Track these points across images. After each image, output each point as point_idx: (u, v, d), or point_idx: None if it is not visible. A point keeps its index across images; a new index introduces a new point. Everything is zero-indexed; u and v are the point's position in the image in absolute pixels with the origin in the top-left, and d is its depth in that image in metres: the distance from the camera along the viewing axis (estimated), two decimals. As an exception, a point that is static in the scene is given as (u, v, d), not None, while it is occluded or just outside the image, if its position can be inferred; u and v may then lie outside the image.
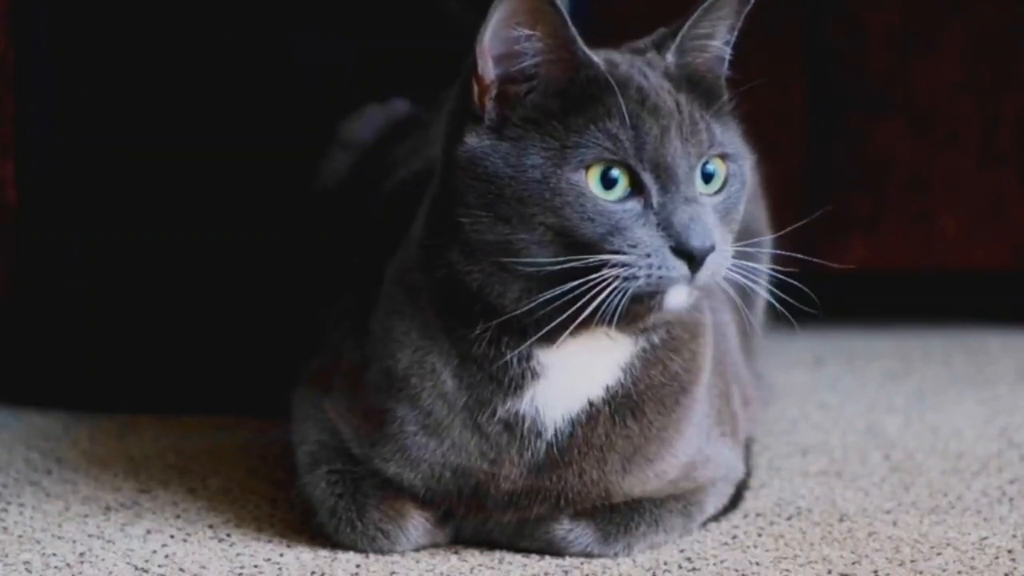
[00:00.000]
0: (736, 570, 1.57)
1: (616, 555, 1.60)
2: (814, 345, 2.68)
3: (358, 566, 1.58)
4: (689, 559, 1.60)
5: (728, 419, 1.72)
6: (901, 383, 2.45)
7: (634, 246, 1.44)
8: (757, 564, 1.59)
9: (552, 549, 1.60)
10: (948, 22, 2.72)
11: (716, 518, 1.71)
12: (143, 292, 2.25)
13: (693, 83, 1.51)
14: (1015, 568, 1.57)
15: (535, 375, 1.53)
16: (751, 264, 1.53)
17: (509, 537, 1.61)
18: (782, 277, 1.65)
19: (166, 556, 1.61)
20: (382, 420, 1.58)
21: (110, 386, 2.25)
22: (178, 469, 1.93)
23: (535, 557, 1.60)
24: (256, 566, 1.58)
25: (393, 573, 1.56)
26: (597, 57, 1.48)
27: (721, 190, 1.50)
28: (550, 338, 1.50)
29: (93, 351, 2.25)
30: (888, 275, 2.85)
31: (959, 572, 1.56)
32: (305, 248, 2.03)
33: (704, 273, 1.46)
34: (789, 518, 1.74)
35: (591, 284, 1.44)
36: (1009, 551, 1.63)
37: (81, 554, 1.62)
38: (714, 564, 1.59)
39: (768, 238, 1.90)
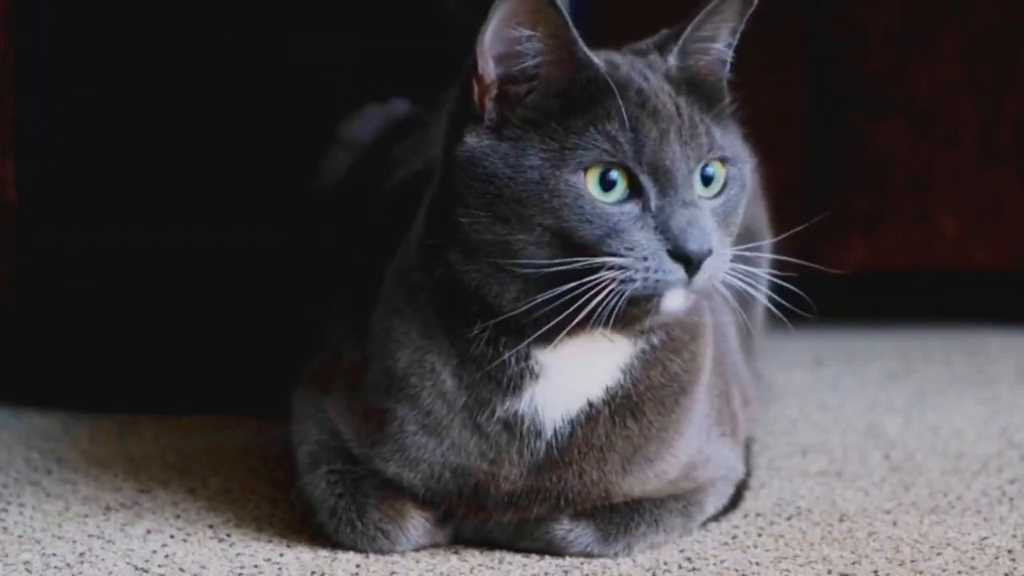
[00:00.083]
0: (736, 570, 1.57)
1: (616, 555, 1.60)
2: (814, 345, 2.68)
3: (358, 566, 1.58)
4: (689, 559, 1.60)
5: (728, 419, 1.72)
6: (901, 383, 2.45)
7: (631, 249, 1.44)
8: (757, 564, 1.59)
9: (552, 549, 1.60)
10: (948, 22, 2.72)
11: (716, 518, 1.71)
12: (143, 292, 2.25)
13: (694, 86, 1.51)
14: (1015, 568, 1.57)
15: (533, 375, 1.53)
16: (750, 268, 1.52)
17: (509, 537, 1.61)
18: (781, 283, 1.65)
19: (166, 556, 1.61)
20: (382, 420, 1.58)
21: (110, 386, 2.25)
22: (178, 469, 1.93)
23: (535, 557, 1.60)
24: (256, 566, 1.58)
25: (393, 573, 1.56)
26: (598, 58, 1.48)
27: (720, 193, 1.50)
28: (548, 339, 1.50)
29: (93, 351, 2.25)
30: (888, 275, 2.85)
31: (959, 572, 1.56)
32: (305, 248, 2.03)
33: (701, 277, 1.46)
34: (789, 518, 1.74)
35: (588, 286, 1.44)
36: (1009, 551, 1.63)
37: (81, 554, 1.62)
38: (714, 564, 1.59)
39: (768, 242, 1.90)
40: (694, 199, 1.47)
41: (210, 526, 1.71)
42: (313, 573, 1.56)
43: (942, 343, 2.75)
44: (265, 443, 2.01)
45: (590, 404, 1.54)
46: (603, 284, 1.44)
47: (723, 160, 1.50)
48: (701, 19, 1.51)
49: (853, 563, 1.59)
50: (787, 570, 1.57)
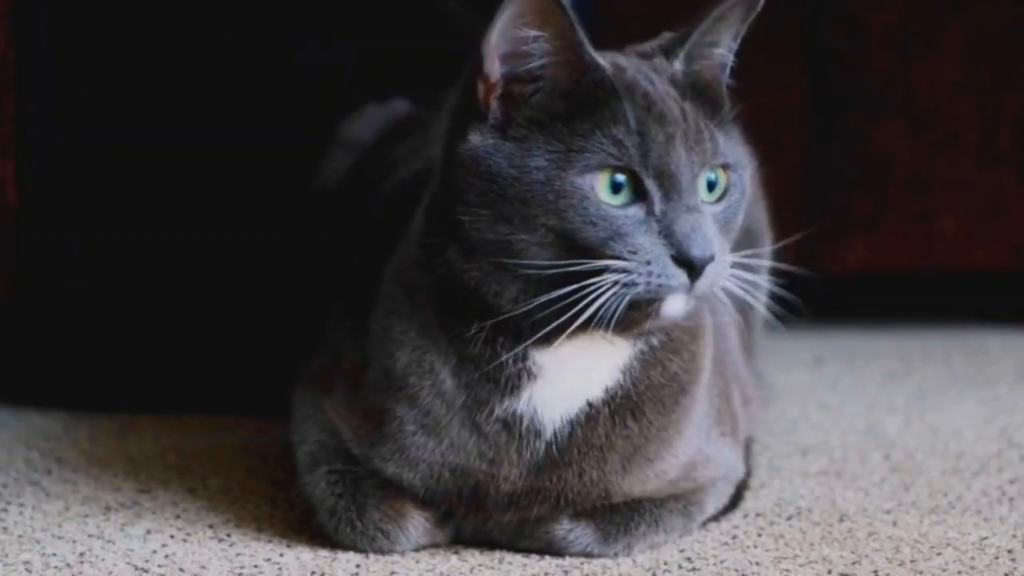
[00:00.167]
0: (736, 570, 1.57)
1: (616, 555, 1.60)
2: (814, 345, 2.68)
3: (358, 566, 1.58)
4: (689, 559, 1.60)
5: (728, 419, 1.72)
6: (901, 383, 2.45)
7: (635, 252, 1.44)
8: (757, 564, 1.59)
9: (552, 549, 1.60)
10: (948, 22, 2.72)
11: (716, 518, 1.71)
12: (143, 292, 2.25)
13: (699, 91, 1.51)
14: (1015, 568, 1.57)
15: (531, 376, 1.53)
16: (750, 276, 1.53)
17: (509, 537, 1.61)
18: (778, 290, 1.65)
19: (166, 556, 1.61)
20: (381, 420, 1.58)
21: (110, 386, 2.25)
22: (178, 469, 1.93)
23: (535, 557, 1.60)
24: (256, 566, 1.58)
25: (393, 573, 1.56)
26: (604, 61, 1.48)
27: (721, 199, 1.50)
28: (546, 340, 1.50)
29: (93, 351, 2.25)
30: (888, 275, 2.85)
31: (959, 572, 1.56)
32: (305, 248, 2.03)
33: (703, 283, 1.46)
34: (789, 518, 1.74)
35: (590, 289, 1.44)
36: (1009, 551, 1.63)
37: (81, 554, 1.62)
38: (714, 564, 1.59)
39: (768, 249, 1.91)
40: (698, 205, 1.47)
41: (210, 526, 1.71)
42: (313, 573, 1.56)
43: (942, 343, 2.75)
44: (265, 443, 2.01)
45: (589, 404, 1.54)
46: (605, 287, 1.44)
47: (725, 166, 1.50)
48: (708, 25, 1.51)
49: (853, 563, 1.59)
50: (787, 570, 1.57)
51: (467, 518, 1.60)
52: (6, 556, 1.61)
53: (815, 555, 1.61)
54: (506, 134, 1.47)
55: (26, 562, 1.59)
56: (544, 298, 1.45)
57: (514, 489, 1.56)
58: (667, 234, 1.45)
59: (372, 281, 1.64)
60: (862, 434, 2.12)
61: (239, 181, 2.22)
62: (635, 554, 1.61)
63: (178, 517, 1.74)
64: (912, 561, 1.59)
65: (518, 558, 1.60)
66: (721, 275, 1.48)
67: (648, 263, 1.44)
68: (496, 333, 1.51)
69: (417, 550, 1.61)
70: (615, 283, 1.44)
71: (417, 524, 1.60)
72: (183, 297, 2.24)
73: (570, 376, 1.53)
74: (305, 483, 1.65)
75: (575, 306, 1.44)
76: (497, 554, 1.61)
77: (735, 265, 1.51)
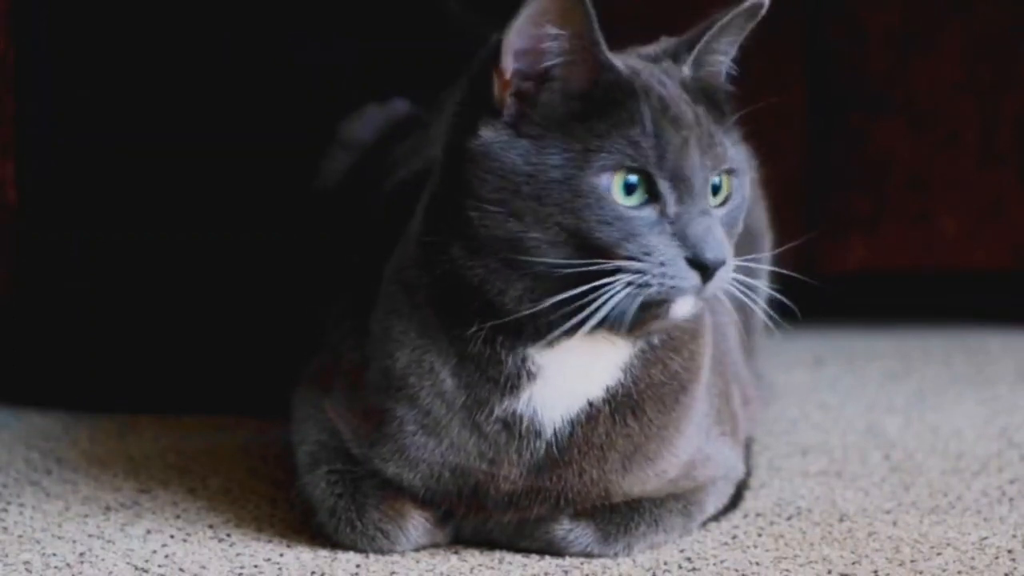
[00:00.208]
0: (736, 570, 1.57)
1: (616, 555, 1.60)
2: (814, 345, 2.68)
3: (358, 566, 1.58)
4: (689, 559, 1.60)
5: (728, 419, 1.72)
6: (901, 383, 2.45)
7: (649, 254, 1.45)
8: (757, 564, 1.59)
9: (552, 549, 1.60)
10: (948, 22, 2.72)
11: (716, 518, 1.71)
12: (143, 292, 2.25)
13: (707, 95, 1.52)
14: (1015, 568, 1.57)
15: (531, 376, 1.53)
16: (751, 280, 1.53)
17: (509, 537, 1.61)
18: (778, 292, 1.65)
19: (166, 556, 1.61)
20: (381, 420, 1.58)
21: (110, 386, 2.25)
22: (178, 469, 1.93)
23: (535, 557, 1.60)
24: (256, 566, 1.58)
25: (393, 573, 1.56)
26: (619, 62, 1.48)
27: (724, 204, 1.51)
28: (547, 339, 1.50)
29: (93, 351, 2.25)
30: (888, 275, 2.85)
31: (959, 572, 1.56)
32: (305, 248, 2.03)
33: (713, 285, 1.47)
34: (789, 518, 1.74)
35: (603, 289, 1.44)
36: (1009, 551, 1.63)
37: (81, 554, 1.62)
38: (714, 564, 1.59)
39: (768, 254, 1.91)
40: (709, 208, 1.48)
41: (210, 526, 1.71)
42: (313, 573, 1.56)
43: (942, 343, 2.75)
44: (265, 443, 2.01)
45: (590, 404, 1.54)
46: (618, 287, 1.44)
47: (730, 171, 1.51)
48: (716, 32, 1.52)
49: (853, 563, 1.59)
50: (787, 570, 1.57)
51: (467, 518, 1.60)
52: (6, 556, 1.61)
53: (815, 555, 1.61)
54: (520, 131, 1.47)
55: (26, 562, 1.59)
56: (556, 298, 1.45)
57: (514, 489, 1.56)
58: (681, 236, 1.45)
59: (372, 281, 1.64)
60: (862, 434, 2.12)
61: (239, 181, 2.22)
62: (635, 554, 1.61)
63: (178, 517, 1.74)
64: (912, 561, 1.60)
65: (518, 558, 1.60)
66: (727, 278, 1.49)
67: (662, 264, 1.45)
68: (496, 333, 1.51)
69: (417, 550, 1.61)
70: (628, 284, 1.44)
71: (417, 524, 1.60)
72: (183, 297, 2.24)
73: (570, 375, 1.53)
74: (305, 483, 1.65)
75: (588, 307, 1.44)
76: (497, 554, 1.61)
77: (736, 267, 1.51)
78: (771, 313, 1.65)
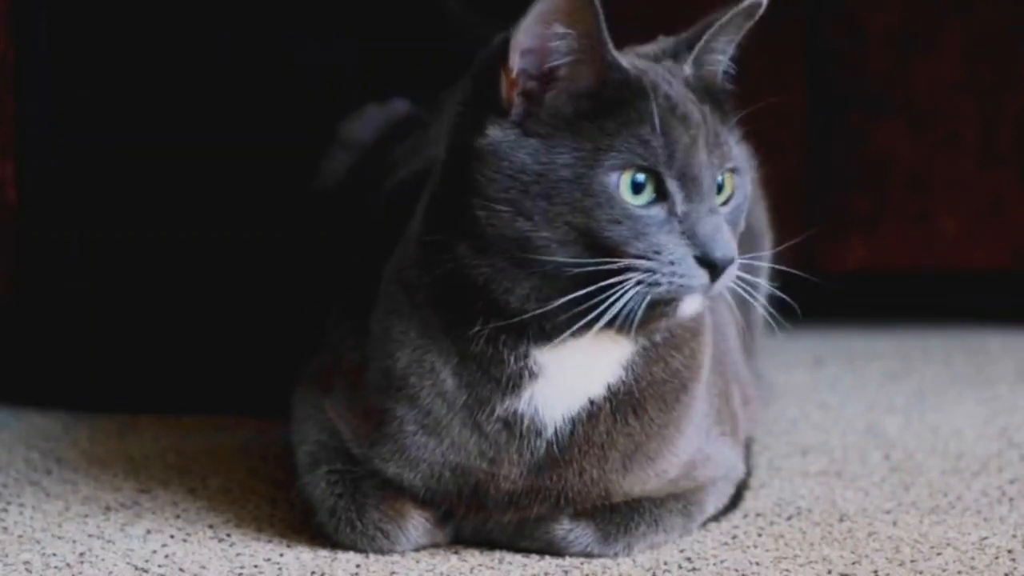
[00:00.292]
0: (736, 570, 1.57)
1: (616, 555, 1.60)
2: (814, 345, 2.68)
3: (358, 566, 1.58)
4: (689, 559, 1.60)
5: (728, 418, 1.72)
6: (901, 383, 2.45)
7: (658, 252, 1.45)
8: (757, 564, 1.59)
9: (552, 549, 1.60)
10: (948, 22, 2.72)
11: (716, 518, 1.71)
12: (143, 292, 2.25)
13: (710, 95, 1.53)
14: (1015, 568, 1.57)
15: (533, 375, 1.52)
16: (752, 278, 1.53)
17: (509, 537, 1.61)
18: (778, 292, 1.66)
19: (166, 556, 1.61)
20: (381, 420, 1.58)
21: (110, 386, 2.25)
22: (178, 469, 1.93)
23: (535, 557, 1.60)
24: (256, 566, 1.58)
25: (393, 573, 1.56)
26: (625, 62, 1.49)
27: (727, 202, 1.51)
28: (549, 338, 1.50)
29: (93, 351, 2.25)
30: (888, 275, 2.85)
31: (959, 572, 1.56)
32: (305, 248, 2.03)
33: (721, 283, 1.47)
34: (789, 518, 1.74)
35: (613, 288, 1.44)
36: (1009, 551, 1.63)
37: (81, 554, 1.62)
38: (714, 564, 1.59)
39: (768, 253, 1.91)
40: (716, 207, 1.48)
41: (210, 526, 1.71)
42: (313, 573, 1.56)
43: (942, 343, 2.75)
44: (265, 443, 2.01)
45: (591, 402, 1.55)
46: (628, 286, 1.44)
47: (733, 170, 1.51)
48: (715, 31, 1.53)
49: (853, 563, 1.59)
50: (787, 570, 1.57)
51: (467, 518, 1.60)
52: (6, 556, 1.61)
53: (815, 555, 1.61)
54: (527, 130, 1.47)
55: (26, 562, 1.59)
56: (566, 298, 1.45)
57: (514, 488, 1.56)
58: (690, 235, 1.46)
59: (372, 281, 1.63)
60: (862, 434, 2.12)
61: (239, 181, 2.22)
62: (635, 554, 1.61)
63: (178, 517, 1.74)
64: (912, 561, 1.59)
65: (518, 558, 1.60)
66: (733, 277, 1.49)
67: (672, 263, 1.45)
68: (499, 332, 1.51)
69: (417, 550, 1.61)
70: (638, 283, 1.44)
71: (417, 524, 1.60)
72: (183, 297, 2.24)
73: (572, 374, 1.53)
74: (305, 483, 1.65)
75: (598, 306, 1.44)
76: (497, 554, 1.61)
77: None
78: (772, 312, 1.65)
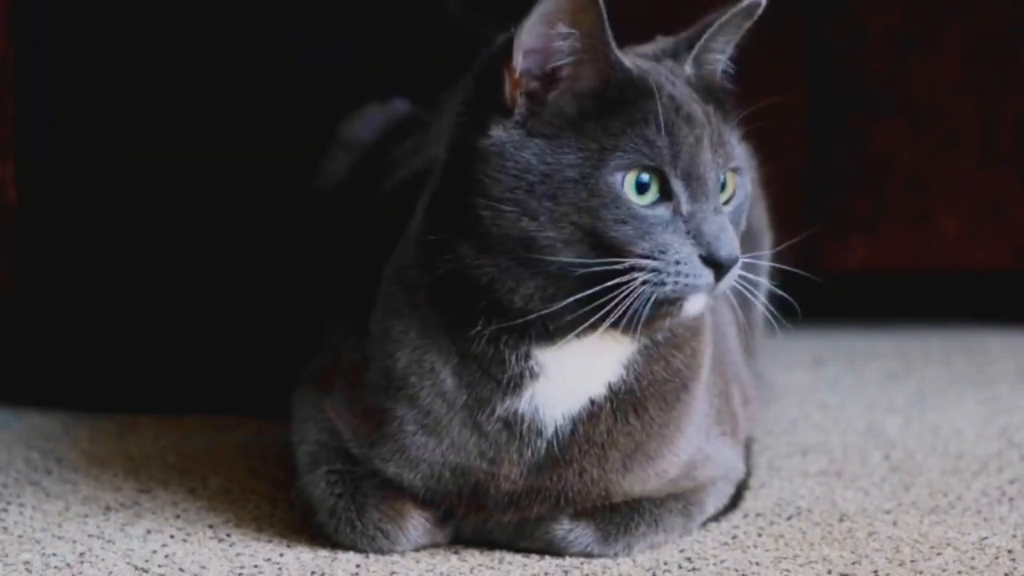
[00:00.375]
0: (736, 570, 1.57)
1: (616, 555, 1.60)
2: (814, 345, 2.68)
3: (358, 566, 1.58)
4: (689, 559, 1.60)
5: (728, 418, 1.72)
6: (901, 383, 2.45)
7: (664, 252, 1.45)
8: (757, 564, 1.59)
9: (552, 549, 1.60)
10: (948, 22, 2.72)
11: (716, 518, 1.71)
12: (143, 292, 2.25)
13: (711, 94, 1.53)
14: (1015, 568, 1.57)
15: (533, 375, 1.52)
16: (751, 276, 1.53)
17: (509, 537, 1.61)
18: (778, 291, 1.66)
19: (166, 556, 1.61)
20: (381, 420, 1.58)
21: (110, 386, 2.25)
22: (178, 469, 1.93)
23: (535, 557, 1.60)
24: (256, 566, 1.58)
25: (393, 573, 1.56)
26: (628, 61, 1.49)
27: (729, 202, 1.51)
28: (551, 339, 1.50)
29: (93, 351, 2.25)
30: (888, 275, 2.85)
31: (959, 572, 1.56)
32: (305, 248, 2.03)
33: (725, 282, 1.47)
34: (789, 518, 1.74)
35: (620, 288, 1.44)
36: (1009, 551, 1.63)
37: (81, 554, 1.62)
38: (714, 564, 1.59)
39: (768, 253, 1.91)
40: (720, 206, 1.48)
41: (210, 526, 1.71)
42: (313, 573, 1.56)
43: (942, 343, 2.75)
44: (265, 443, 2.01)
45: (592, 401, 1.55)
46: (635, 286, 1.44)
47: (735, 169, 1.52)
48: (715, 31, 1.53)
49: (853, 563, 1.59)
50: (787, 570, 1.57)
51: (467, 518, 1.60)
52: (6, 556, 1.61)
53: (815, 555, 1.61)
54: (532, 130, 1.47)
55: (26, 562, 1.59)
56: (571, 298, 1.45)
57: (514, 488, 1.56)
58: (695, 234, 1.46)
59: (372, 281, 1.63)
60: (862, 434, 2.12)
61: (239, 181, 2.22)
62: (635, 554, 1.61)
63: (178, 517, 1.74)
64: (912, 561, 1.59)
65: (518, 558, 1.60)
66: (736, 275, 1.49)
67: (677, 262, 1.45)
68: (500, 332, 1.51)
69: (417, 550, 1.61)
70: (644, 282, 1.45)
71: (417, 524, 1.60)
72: (183, 297, 2.24)
73: (573, 373, 1.53)
74: (305, 483, 1.65)
75: (604, 307, 1.44)
76: (497, 554, 1.61)
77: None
78: (772, 312, 1.65)
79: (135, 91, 2.23)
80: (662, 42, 1.58)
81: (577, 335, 1.48)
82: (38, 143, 2.23)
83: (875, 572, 1.57)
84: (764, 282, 1.73)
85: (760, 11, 1.53)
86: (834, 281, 2.10)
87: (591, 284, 1.45)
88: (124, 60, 2.22)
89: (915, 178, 2.76)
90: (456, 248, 1.50)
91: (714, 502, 1.70)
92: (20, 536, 1.68)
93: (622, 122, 1.46)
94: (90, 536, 1.68)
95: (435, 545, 1.62)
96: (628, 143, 1.45)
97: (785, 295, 1.66)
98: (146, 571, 1.57)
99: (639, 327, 1.47)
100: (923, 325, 2.87)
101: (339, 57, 2.22)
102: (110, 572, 1.57)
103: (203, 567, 1.58)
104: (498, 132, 1.48)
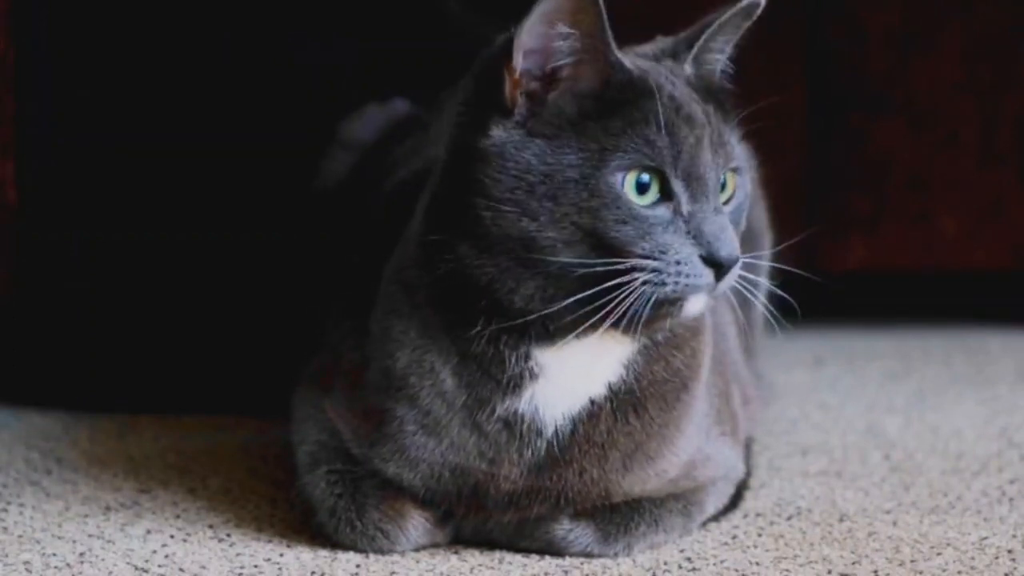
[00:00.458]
0: (736, 570, 1.57)
1: (616, 555, 1.60)
2: (814, 345, 2.68)
3: (358, 566, 1.58)
4: (689, 559, 1.60)
5: (728, 418, 1.72)
6: (901, 383, 2.45)
7: (664, 252, 1.45)
8: (757, 564, 1.59)
9: (552, 549, 1.60)
10: (948, 22, 2.72)
11: (716, 518, 1.71)
12: (143, 292, 2.25)
13: (711, 94, 1.53)
14: (1015, 568, 1.57)
15: (533, 375, 1.52)
16: (751, 276, 1.53)
17: (509, 537, 1.61)
18: (778, 291, 1.66)
19: (166, 556, 1.61)
20: (381, 420, 1.58)
21: (110, 386, 2.25)
22: (178, 469, 1.93)
23: (535, 557, 1.60)
24: (256, 566, 1.58)
25: (393, 573, 1.56)
26: (628, 62, 1.49)
27: (729, 201, 1.51)
28: (552, 339, 1.50)
29: (93, 351, 2.25)
30: (888, 275, 2.85)
31: (959, 572, 1.56)
32: (305, 248, 2.03)
33: (726, 282, 1.48)
34: (789, 518, 1.74)
35: (620, 288, 1.44)
36: (1009, 551, 1.63)
37: (81, 554, 1.62)
38: (714, 564, 1.59)
39: (768, 252, 1.91)
40: (720, 206, 1.48)
41: (210, 526, 1.71)
42: (313, 573, 1.56)
43: (942, 343, 2.75)
44: (265, 443, 2.01)
45: (592, 401, 1.55)
46: (635, 286, 1.44)
47: (735, 169, 1.52)
48: (714, 31, 1.53)
49: (853, 563, 1.59)
50: (787, 570, 1.57)
51: (467, 518, 1.60)
52: (6, 556, 1.61)
53: (815, 555, 1.61)
54: (532, 130, 1.47)
55: (26, 562, 1.59)
56: (571, 299, 1.45)
57: (514, 489, 1.56)
58: (696, 235, 1.46)
59: (372, 281, 1.63)
60: (862, 434, 2.12)
61: (239, 181, 2.22)
62: (635, 554, 1.61)
63: (178, 517, 1.74)
64: (912, 561, 1.59)
65: (518, 558, 1.60)
66: (736, 275, 1.49)
67: (678, 263, 1.45)
68: (500, 332, 1.51)
69: (417, 550, 1.61)
70: (645, 283, 1.45)
71: (417, 524, 1.60)
72: (183, 297, 2.24)
73: (573, 373, 1.53)
74: (305, 483, 1.65)
75: (604, 307, 1.44)
76: (497, 554, 1.61)
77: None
78: (772, 312, 1.65)
79: (135, 91, 2.23)
80: (662, 42, 1.58)
81: (577, 335, 1.48)
82: (38, 143, 2.23)
83: (875, 572, 1.57)
84: (764, 282, 1.73)
85: (759, 11, 1.53)
86: (834, 281, 2.10)
87: (591, 284, 1.45)
88: (124, 60, 2.22)
89: (915, 178, 2.76)
90: (456, 248, 1.50)
91: (714, 502, 1.70)
92: (20, 536, 1.68)
93: (622, 122, 1.46)
94: (90, 536, 1.68)
95: (435, 545, 1.62)
96: (628, 143, 1.46)
97: (785, 295, 1.66)
98: (146, 571, 1.57)
99: (639, 327, 1.47)
100: (923, 325, 2.87)
101: (339, 57, 2.22)
102: (110, 572, 1.57)
103: (203, 567, 1.58)
104: (498, 132, 1.48)
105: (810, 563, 1.59)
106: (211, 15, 2.22)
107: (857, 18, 2.73)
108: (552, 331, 1.49)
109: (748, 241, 1.71)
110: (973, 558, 1.60)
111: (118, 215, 2.24)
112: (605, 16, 1.45)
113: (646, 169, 1.46)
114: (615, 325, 1.46)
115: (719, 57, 1.56)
